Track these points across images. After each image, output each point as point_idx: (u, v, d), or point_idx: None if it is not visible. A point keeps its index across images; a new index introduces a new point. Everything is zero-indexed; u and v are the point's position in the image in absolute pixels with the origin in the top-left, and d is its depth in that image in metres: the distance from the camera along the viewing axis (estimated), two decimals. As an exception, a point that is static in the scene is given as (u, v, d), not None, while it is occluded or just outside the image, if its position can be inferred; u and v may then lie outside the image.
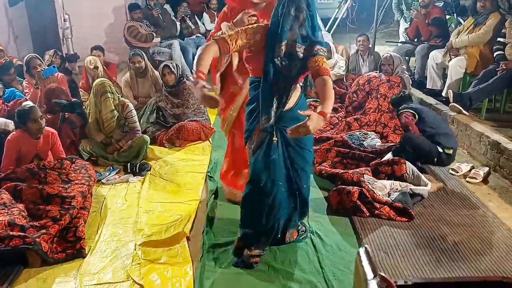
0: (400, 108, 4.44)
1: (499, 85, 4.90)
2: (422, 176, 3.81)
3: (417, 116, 4.27)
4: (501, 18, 5.24)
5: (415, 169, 3.90)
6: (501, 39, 5.09)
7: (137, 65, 5.45)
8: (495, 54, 5.10)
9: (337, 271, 2.86)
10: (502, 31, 5.09)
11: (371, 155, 4.30)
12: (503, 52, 5.04)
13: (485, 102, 5.15)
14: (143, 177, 4.25)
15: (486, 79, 4.98)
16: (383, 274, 0.90)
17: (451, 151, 4.19)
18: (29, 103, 4.02)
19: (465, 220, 3.41)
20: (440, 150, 4.16)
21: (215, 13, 8.35)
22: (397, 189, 3.73)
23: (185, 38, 7.91)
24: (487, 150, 4.31)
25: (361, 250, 0.98)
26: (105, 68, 5.88)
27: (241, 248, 2.93)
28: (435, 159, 4.21)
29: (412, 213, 3.43)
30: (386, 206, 3.50)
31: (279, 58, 2.62)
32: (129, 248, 3.17)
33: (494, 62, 5.14)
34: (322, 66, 2.59)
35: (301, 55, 2.64)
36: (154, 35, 7.28)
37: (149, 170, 4.37)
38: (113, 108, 4.53)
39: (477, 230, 3.28)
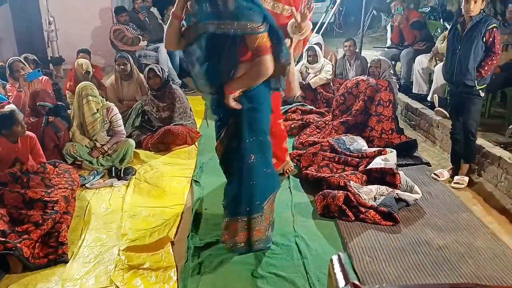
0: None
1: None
2: (415, 187, 3.81)
3: None
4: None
5: (408, 179, 3.91)
6: None
7: (122, 67, 5.41)
8: None
9: (322, 276, 2.84)
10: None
11: (357, 160, 4.30)
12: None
13: (470, 106, 5.20)
14: (128, 181, 4.21)
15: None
16: (355, 282, 0.89)
17: None
18: (11, 106, 3.96)
19: (449, 225, 3.43)
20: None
21: None
22: (383, 193, 3.74)
23: (172, 42, 7.87)
24: (471, 154, 4.34)
25: (334, 258, 0.97)
26: (93, 71, 5.83)
27: (227, 228, 2.96)
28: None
29: (397, 217, 3.43)
30: (371, 210, 3.51)
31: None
32: (112, 253, 3.13)
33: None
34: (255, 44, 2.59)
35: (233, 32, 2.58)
36: (141, 38, 7.24)
37: (134, 174, 4.33)
38: (95, 111, 4.49)
39: (461, 234, 3.29)
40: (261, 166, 2.88)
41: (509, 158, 3.85)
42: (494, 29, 3.72)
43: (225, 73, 2.72)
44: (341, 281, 0.92)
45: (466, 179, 4.07)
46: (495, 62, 3.83)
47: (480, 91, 3.88)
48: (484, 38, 3.73)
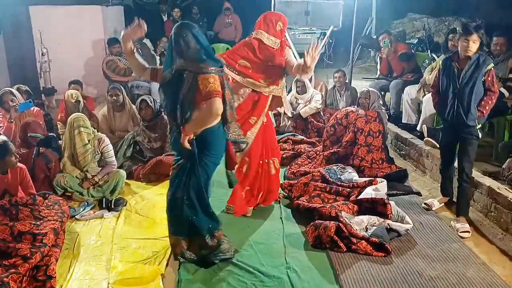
0: None
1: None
2: (407, 217, 3.82)
3: None
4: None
5: (399, 209, 3.92)
6: None
7: (115, 98, 5.44)
8: None
9: (314, 309, 2.82)
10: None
11: (348, 190, 4.32)
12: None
13: (458, 136, 5.27)
14: (119, 212, 4.18)
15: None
16: None
17: None
18: (2, 137, 3.96)
19: (441, 255, 3.43)
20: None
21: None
22: (374, 223, 3.74)
23: (164, 72, 7.96)
24: (461, 184, 4.37)
25: None
26: (84, 101, 5.85)
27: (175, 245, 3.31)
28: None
29: (389, 248, 3.43)
30: (363, 241, 3.50)
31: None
32: (101, 287, 3.08)
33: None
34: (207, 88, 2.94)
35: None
36: (133, 69, 7.30)
37: (125, 205, 4.30)
38: (87, 142, 4.49)
39: (452, 265, 3.29)
40: (197, 205, 3.22)
41: (498, 188, 3.88)
42: (492, 68, 3.74)
43: (183, 113, 3.04)
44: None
45: (467, 226, 3.85)
46: (494, 101, 3.79)
47: (478, 130, 3.83)
48: (483, 78, 3.73)
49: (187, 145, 3.03)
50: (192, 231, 3.25)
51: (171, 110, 3.11)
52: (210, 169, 3.21)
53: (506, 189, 3.88)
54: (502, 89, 4.92)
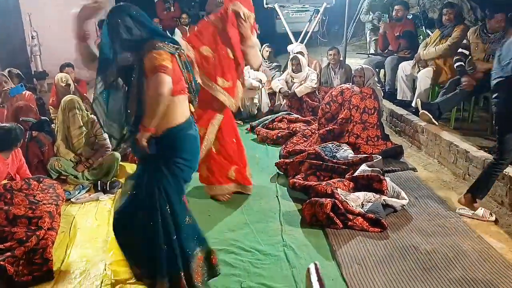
0: None
1: (465, 93, 5.01)
2: (402, 192, 3.83)
3: None
4: (466, 30, 5.37)
5: (395, 185, 3.92)
6: (463, 50, 5.19)
7: (107, 81, 5.37)
8: (455, 65, 5.20)
9: (311, 285, 2.83)
10: (463, 41, 5.21)
11: (344, 167, 4.32)
12: (463, 63, 5.14)
13: (453, 111, 5.28)
14: (114, 195, 4.17)
15: (452, 89, 5.09)
16: None
17: None
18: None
19: (436, 229, 3.44)
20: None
21: (187, 28, 8.36)
22: (370, 200, 3.75)
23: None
24: (456, 159, 4.38)
25: (311, 266, 0.97)
26: (76, 85, 5.79)
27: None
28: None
29: (385, 223, 3.44)
30: (359, 217, 3.51)
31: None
32: (98, 269, 3.09)
33: (456, 72, 5.25)
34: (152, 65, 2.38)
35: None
36: (125, 50, 7.20)
37: (120, 187, 4.28)
38: (81, 124, 4.45)
39: (449, 238, 3.31)
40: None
41: (493, 162, 3.88)
42: None
43: (137, 110, 2.49)
44: (317, 290, 0.92)
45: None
46: None
47: None
48: None
49: (144, 144, 2.42)
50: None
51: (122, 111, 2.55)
52: (183, 175, 2.64)
53: (501, 162, 3.88)
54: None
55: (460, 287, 2.76)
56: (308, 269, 0.96)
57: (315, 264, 0.96)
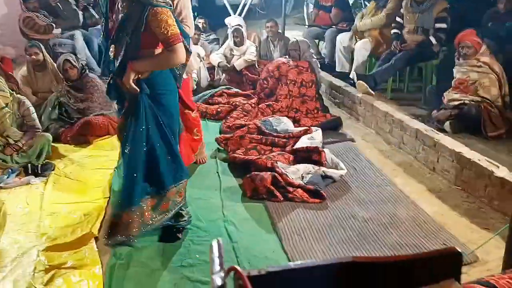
0: None
1: (399, 64, 5.14)
2: (341, 163, 3.89)
3: None
4: (401, 0, 5.45)
5: (333, 157, 3.97)
6: (399, 19, 5.31)
7: (34, 57, 5.07)
8: (391, 32, 5.32)
9: (252, 258, 2.84)
10: (401, 10, 5.32)
11: (284, 140, 4.33)
12: (399, 32, 5.27)
13: (390, 82, 5.40)
14: (47, 177, 3.97)
15: (388, 60, 5.20)
16: (236, 266, 0.89)
17: None
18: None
19: (373, 198, 3.54)
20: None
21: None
22: (310, 171, 3.78)
23: (89, 28, 7.48)
24: (392, 128, 4.50)
25: (214, 243, 0.96)
26: None
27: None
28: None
29: (324, 194, 3.49)
30: (299, 189, 3.54)
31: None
32: (31, 255, 2.93)
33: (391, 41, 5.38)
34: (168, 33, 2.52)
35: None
36: (54, 26, 6.80)
37: (53, 170, 4.08)
38: (3, 105, 4.17)
39: (385, 206, 3.41)
40: (162, 153, 2.79)
41: (425, 130, 4.02)
42: None
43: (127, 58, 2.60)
44: (217, 267, 0.95)
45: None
46: None
47: None
48: None
49: (132, 84, 2.56)
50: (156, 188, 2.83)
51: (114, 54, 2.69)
52: (171, 104, 2.81)
53: (432, 130, 4.03)
54: (431, 37, 5.04)
55: (394, 252, 2.86)
56: (211, 246, 0.95)
57: (218, 241, 0.94)
